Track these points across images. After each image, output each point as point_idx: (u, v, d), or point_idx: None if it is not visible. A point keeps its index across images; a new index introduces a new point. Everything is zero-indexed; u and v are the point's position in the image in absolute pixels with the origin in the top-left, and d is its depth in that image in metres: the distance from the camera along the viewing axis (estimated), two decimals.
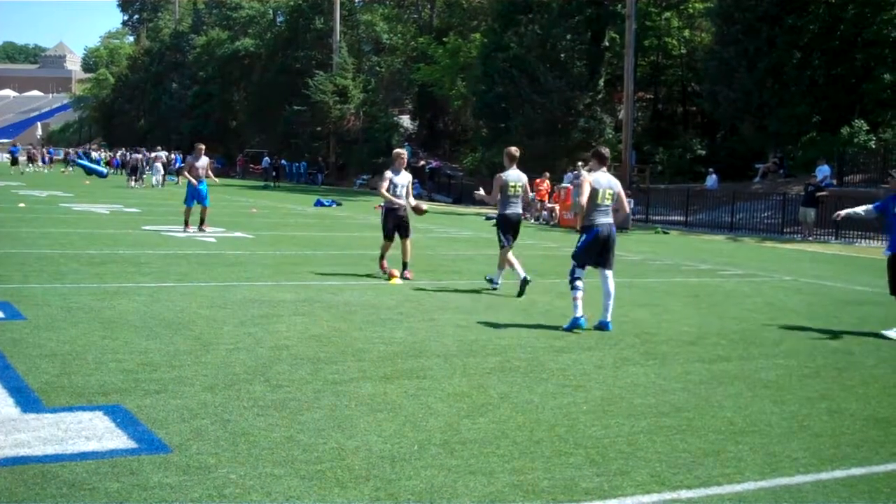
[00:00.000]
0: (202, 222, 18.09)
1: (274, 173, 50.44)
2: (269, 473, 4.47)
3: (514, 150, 11.36)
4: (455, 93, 49.61)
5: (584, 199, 8.88)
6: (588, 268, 9.09)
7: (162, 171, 42.79)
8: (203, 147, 18.53)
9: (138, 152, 46.71)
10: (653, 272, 15.10)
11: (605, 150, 9.43)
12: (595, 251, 8.96)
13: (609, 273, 9.00)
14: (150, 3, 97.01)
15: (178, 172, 45.40)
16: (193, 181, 17.73)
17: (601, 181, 8.93)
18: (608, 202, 8.92)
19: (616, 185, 9.07)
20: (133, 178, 40.95)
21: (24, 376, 6.08)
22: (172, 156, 46.09)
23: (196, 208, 18.02)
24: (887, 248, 9.62)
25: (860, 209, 10.20)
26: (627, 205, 9.60)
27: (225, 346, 7.35)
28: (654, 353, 7.97)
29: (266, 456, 4.73)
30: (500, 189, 11.25)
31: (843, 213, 10.39)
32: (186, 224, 18.06)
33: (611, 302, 8.97)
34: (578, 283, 8.91)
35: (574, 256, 9.07)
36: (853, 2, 31.60)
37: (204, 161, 18.04)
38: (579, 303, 8.82)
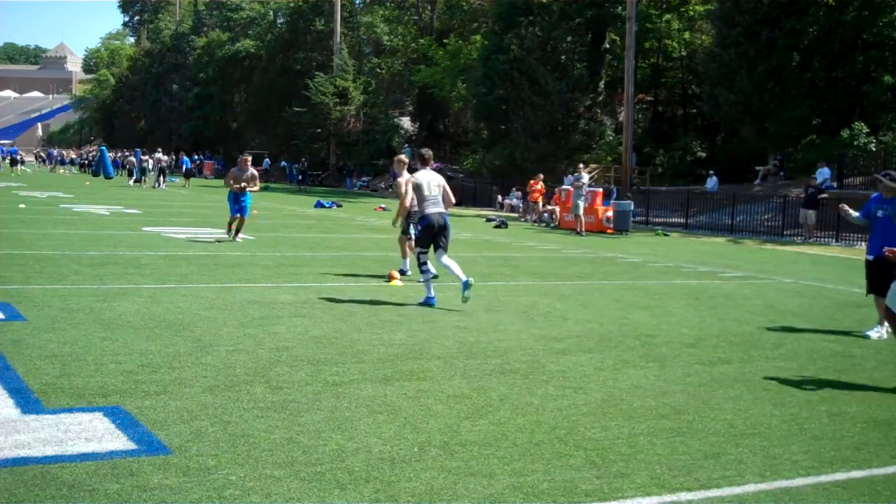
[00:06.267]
0: (237, 231, 17.26)
1: (300, 177, 50.47)
2: (269, 475, 4.47)
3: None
4: (455, 95, 49.61)
5: (408, 199, 10.52)
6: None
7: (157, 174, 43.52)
8: (249, 158, 17.73)
9: (161, 154, 47.23)
10: (653, 274, 15.11)
11: (426, 151, 10.83)
12: (431, 235, 10.23)
13: (444, 254, 10.24)
14: (151, 5, 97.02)
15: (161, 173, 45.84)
16: (235, 188, 16.88)
17: (422, 177, 10.32)
18: (435, 193, 10.28)
19: (440, 179, 10.48)
20: (160, 179, 42.91)
21: (24, 377, 6.08)
22: (147, 157, 46.23)
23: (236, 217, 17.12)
24: (869, 252, 9.63)
25: (855, 214, 10.03)
26: (452, 196, 10.72)
27: (225, 348, 7.35)
28: (654, 355, 7.98)
29: (266, 457, 4.73)
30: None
31: (845, 207, 10.13)
32: (229, 229, 17.25)
33: (457, 271, 10.10)
34: (426, 268, 10.21)
35: (416, 242, 10.48)
36: (853, 4, 31.61)
37: (249, 173, 17.08)
38: (431, 285, 10.19)
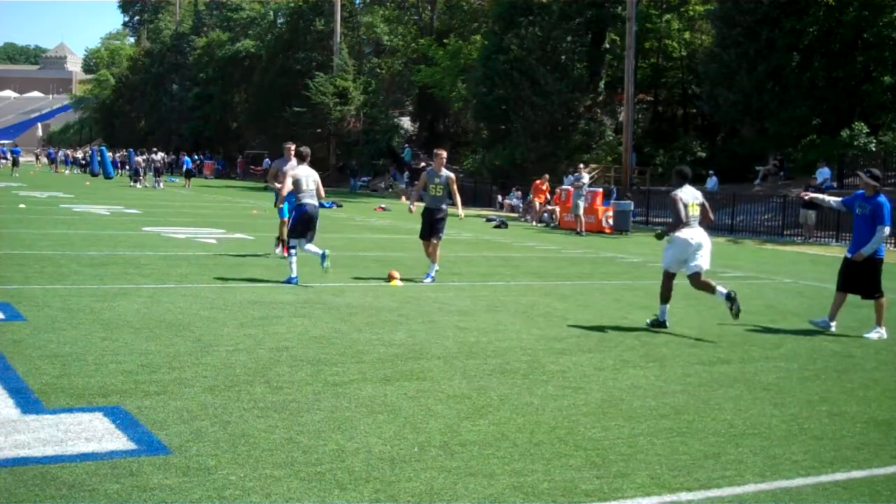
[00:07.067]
0: (281, 241, 14.15)
1: None
2: (269, 475, 4.47)
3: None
4: (455, 95, 49.59)
5: (287, 188, 11.77)
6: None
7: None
8: (293, 147, 13.65)
9: (156, 154, 47.40)
10: (653, 274, 15.08)
11: (305, 149, 12.16)
12: (304, 223, 11.57)
13: (308, 243, 11.63)
14: (151, 5, 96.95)
15: (187, 175, 45.74)
16: (281, 189, 12.55)
17: (301, 173, 11.69)
18: (311, 188, 11.62)
19: (314, 174, 11.79)
20: (158, 179, 43.21)
21: (25, 377, 6.08)
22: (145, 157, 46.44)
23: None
24: (849, 249, 9.74)
25: (830, 198, 10.36)
26: (323, 190, 12.01)
27: (225, 348, 7.35)
28: (654, 355, 7.98)
29: (266, 457, 4.73)
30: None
31: (810, 194, 10.57)
32: (279, 242, 14.46)
33: (315, 249, 11.53)
34: (294, 252, 11.56)
35: (291, 232, 11.67)
36: (853, 4, 31.60)
37: (295, 164, 12.92)
38: (294, 266, 11.42)
